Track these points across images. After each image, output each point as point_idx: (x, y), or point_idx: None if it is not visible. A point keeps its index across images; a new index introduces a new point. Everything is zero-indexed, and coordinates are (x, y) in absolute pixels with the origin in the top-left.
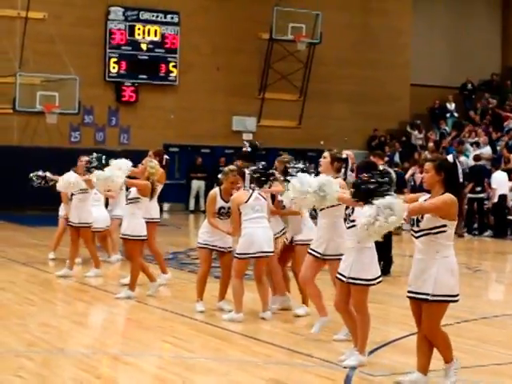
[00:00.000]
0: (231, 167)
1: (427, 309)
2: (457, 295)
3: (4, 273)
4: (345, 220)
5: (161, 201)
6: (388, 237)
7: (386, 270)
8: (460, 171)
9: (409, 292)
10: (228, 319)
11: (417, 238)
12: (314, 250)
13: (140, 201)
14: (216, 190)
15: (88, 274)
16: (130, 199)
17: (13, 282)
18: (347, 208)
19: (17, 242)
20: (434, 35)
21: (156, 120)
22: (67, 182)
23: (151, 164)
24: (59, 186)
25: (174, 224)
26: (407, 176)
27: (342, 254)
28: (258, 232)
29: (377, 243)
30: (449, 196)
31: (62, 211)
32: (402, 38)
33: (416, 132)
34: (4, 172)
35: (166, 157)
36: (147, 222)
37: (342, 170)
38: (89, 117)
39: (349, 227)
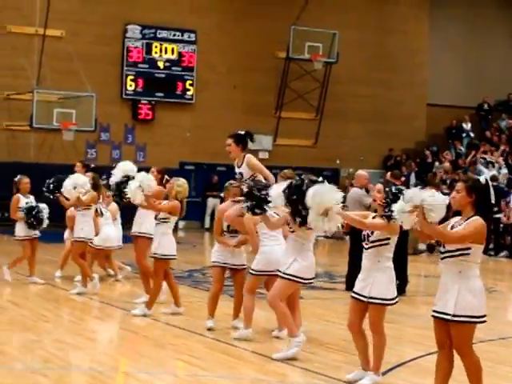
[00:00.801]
0: (231, 181)
1: (452, 329)
2: (482, 316)
3: (19, 289)
4: (363, 240)
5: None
6: (404, 256)
7: (401, 289)
8: (492, 193)
9: (433, 311)
10: (237, 336)
11: (442, 259)
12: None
13: (170, 220)
14: (223, 206)
15: (74, 290)
16: (160, 219)
17: (28, 298)
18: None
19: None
20: (450, 55)
21: (172, 138)
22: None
23: (179, 182)
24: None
25: (189, 242)
26: None
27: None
28: (276, 250)
29: (394, 262)
30: (479, 222)
31: (67, 234)
32: (419, 58)
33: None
34: None
35: (166, 176)
36: (142, 237)
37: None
38: (105, 134)
39: (368, 248)
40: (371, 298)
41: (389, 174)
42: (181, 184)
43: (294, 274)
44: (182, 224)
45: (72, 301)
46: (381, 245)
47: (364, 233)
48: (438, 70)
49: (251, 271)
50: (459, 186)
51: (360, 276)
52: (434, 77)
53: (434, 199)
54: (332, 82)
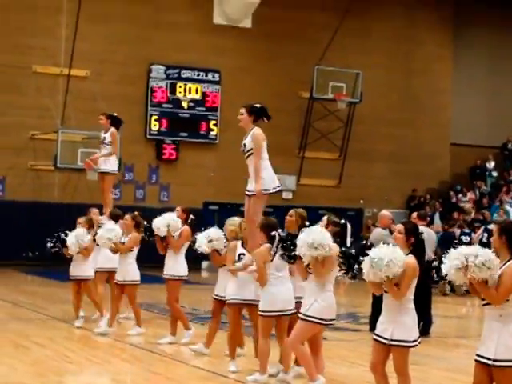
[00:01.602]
0: (242, 219)
1: (494, 374)
2: None
3: (44, 330)
4: None
5: (200, 259)
6: (428, 297)
7: (425, 330)
8: None
9: (476, 355)
10: (252, 381)
11: (483, 305)
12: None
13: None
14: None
15: (98, 330)
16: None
17: (51, 338)
18: None
19: (57, 299)
20: (474, 94)
21: (196, 178)
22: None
23: (229, 222)
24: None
25: (212, 282)
26: None
27: None
28: (281, 290)
29: (416, 303)
30: None
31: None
32: (443, 97)
33: (458, 194)
34: (45, 228)
35: (191, 216)
36: (174, 280)
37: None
38: (129, 174)
39: (386, 291)
40: (393, 340)
41: (415, 214)
42: (231, 223)
43: (314, 315)
44: (205, 264)
45: (96, 342)
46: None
47: None
48: (462, 110)
49: (259, 313)
50: (493, 228)
51: (381, 318)
52: (458, 116)
53: (483, 257)
54: (356, 121)
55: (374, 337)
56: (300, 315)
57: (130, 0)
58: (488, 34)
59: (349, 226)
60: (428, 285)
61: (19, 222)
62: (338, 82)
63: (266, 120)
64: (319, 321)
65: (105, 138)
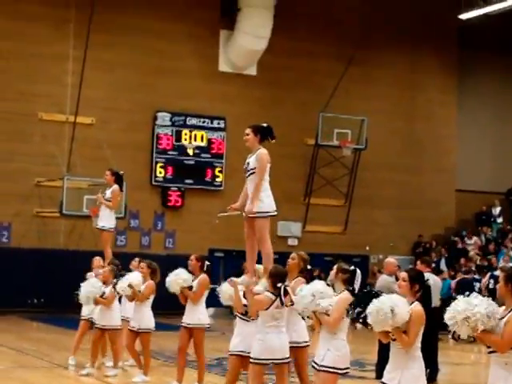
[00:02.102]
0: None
1: None
2: None
3: (47, 378)
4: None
5: (206, 306)
6: (434, 344)
7: (432, 378)
8: None
9: None
10: None
11: (489, 353)
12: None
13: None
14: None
15: (136, 379)
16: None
17: None
18: None
19: (62, 346)
20: (479, 140)
21: (201, 224)
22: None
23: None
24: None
25: (218, 329)
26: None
27: None
28: (271, 338)
29: (423, 351)
30: None
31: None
32: (447, 143)
33: (463, 239)
34: (51, 275)
35: (207, 262)
36: (195, 329)
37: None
38: (135, 221)
39: (395, 339)
40: None
41: (419, 261)
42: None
43: (329, 365)
44: (211, 311)
45: None
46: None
47: None
48: (467, 156)
49: (250, 360)
50: (500, 275)
51: (388, 367)
52: (463, 162)
53: (486, 309)
54: (361, 168)
55: None
56: (315, 366)
57: (135, 48)
58: (492, 81)
59: (358, 271)
60: (434, 332)
61: (25, 268)
62: (343, 129)
63: (271, 140)
64: (336, 370)
65: (105, 193)
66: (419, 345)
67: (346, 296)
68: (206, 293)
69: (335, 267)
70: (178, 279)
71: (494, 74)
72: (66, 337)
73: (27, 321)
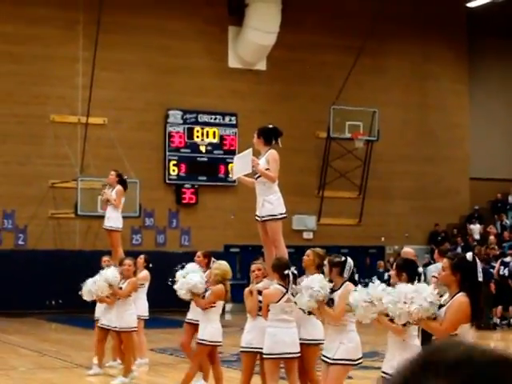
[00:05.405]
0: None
1: None
2: None
3: (67, 378)
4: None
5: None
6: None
7: None
8: (480, 270)
9: None
10: None
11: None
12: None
13: (216, 305)
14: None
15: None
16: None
17: None
18: None
19: (82, 347)
20: (491, 128)
21: (216, 221)
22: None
23: (215, 265)
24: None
25: (236, 325)
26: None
27: None
28: (282, 332)
29: (422, 344)
30: (462, 300)
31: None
32: (460, 132)
33: (475, 226)
34: (67, 276)
35: (213, 259)
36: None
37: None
38: (149, 219)
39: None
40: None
41: (437, 251)
42: (217, 266)
43: (343, 357)
44: (228, 307)
45: None
46: (405, 324)
47: None
48: (480, 144)
49: (264, 356)
50: (445, 263)
51: (387, 355)
52: (476, 150)
53: (428, 297)
54: (374, 159)
55: (382, 375)
56: (327, 360)
57: (144, 47)
58: (502, 68)
59: (349, 260)
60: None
61: (41, 270)
62: (355, 121)
63: (275, 143)
64: (348, 362)
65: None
66: (416, 333)
67: (348, 288)
68: (220, 305)
69: (325, 262)
70: (187, 284)
71: (503, 60)
72: (85, 337)
73: (46, 322)
